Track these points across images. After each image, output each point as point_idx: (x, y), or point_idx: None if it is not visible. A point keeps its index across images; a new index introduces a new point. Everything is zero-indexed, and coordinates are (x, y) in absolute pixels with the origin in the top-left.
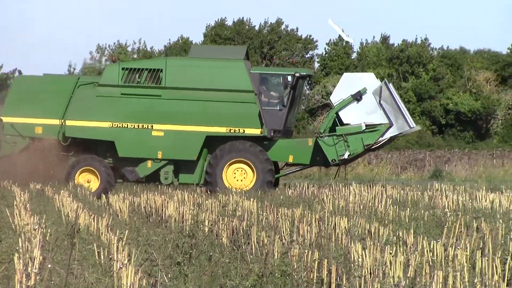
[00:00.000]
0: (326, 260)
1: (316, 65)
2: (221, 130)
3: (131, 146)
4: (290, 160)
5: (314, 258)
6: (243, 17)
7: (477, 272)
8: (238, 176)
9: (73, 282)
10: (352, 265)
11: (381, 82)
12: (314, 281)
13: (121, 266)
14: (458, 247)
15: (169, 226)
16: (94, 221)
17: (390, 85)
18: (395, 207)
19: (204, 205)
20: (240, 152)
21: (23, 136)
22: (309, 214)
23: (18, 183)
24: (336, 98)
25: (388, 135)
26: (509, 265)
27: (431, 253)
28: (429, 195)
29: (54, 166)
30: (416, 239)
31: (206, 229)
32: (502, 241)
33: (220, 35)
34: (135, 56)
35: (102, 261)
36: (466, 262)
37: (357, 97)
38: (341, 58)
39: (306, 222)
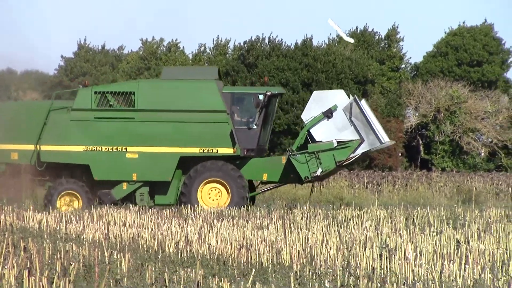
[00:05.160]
0: None
1: None
2: (195, 150)
3: (106, 169)
4: (264, 178)
5: None
6: None
7: None
8: (213, 195)
9: None
10: None
11: (351, 98)
12: None
13: None
14: (6, 267)
15: None
16: None
17: (362, 102)
18: None
19: None
20: (213, 172)
21: None
22: None
23: None
24: (307, 116)
25: (359, 151)
26: (56, 284)
27: None
28: None
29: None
30: None
31: None
32: (50, 261)
33: None
34: None
35: None
36: (14, 281)
37: (328, 114)
38: None
39: None
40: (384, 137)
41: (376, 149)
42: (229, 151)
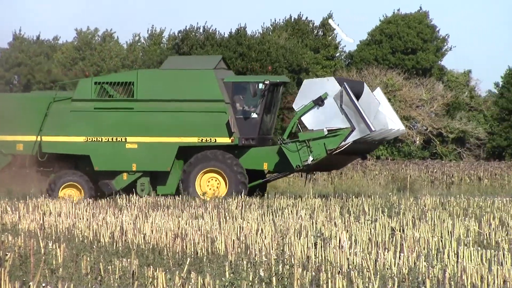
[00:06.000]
0: None
1: None
2: (193, 140)
3: (106, 159)
4: (265, 167)
5: None
6: None
7: None
8: (212, 185)
9: None
10: None
11: (341, 86)
12: None
13: None
14: None
15: None
16: None
17: (377, 90)
18: None
19: None
20: (211, 162)
21: (4, 153)
22: None
23: None
24: (298, 104)
25: (350, 139)
26: None
27: None
28: None
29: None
30: None
31: None
32: None
33: None
34: None
35: None
36: None
37: (318, 102)
38: None
39: None
40: (375, 125)
41: (388, 136)
42: (227, 140)
